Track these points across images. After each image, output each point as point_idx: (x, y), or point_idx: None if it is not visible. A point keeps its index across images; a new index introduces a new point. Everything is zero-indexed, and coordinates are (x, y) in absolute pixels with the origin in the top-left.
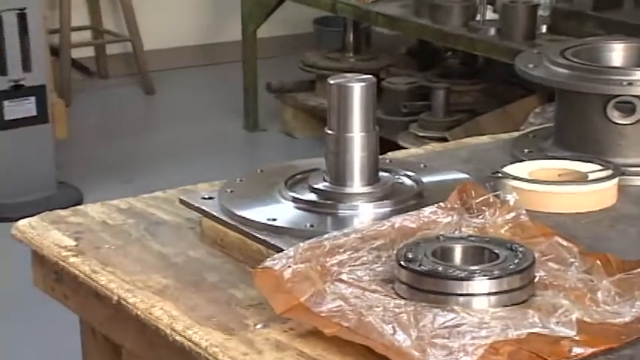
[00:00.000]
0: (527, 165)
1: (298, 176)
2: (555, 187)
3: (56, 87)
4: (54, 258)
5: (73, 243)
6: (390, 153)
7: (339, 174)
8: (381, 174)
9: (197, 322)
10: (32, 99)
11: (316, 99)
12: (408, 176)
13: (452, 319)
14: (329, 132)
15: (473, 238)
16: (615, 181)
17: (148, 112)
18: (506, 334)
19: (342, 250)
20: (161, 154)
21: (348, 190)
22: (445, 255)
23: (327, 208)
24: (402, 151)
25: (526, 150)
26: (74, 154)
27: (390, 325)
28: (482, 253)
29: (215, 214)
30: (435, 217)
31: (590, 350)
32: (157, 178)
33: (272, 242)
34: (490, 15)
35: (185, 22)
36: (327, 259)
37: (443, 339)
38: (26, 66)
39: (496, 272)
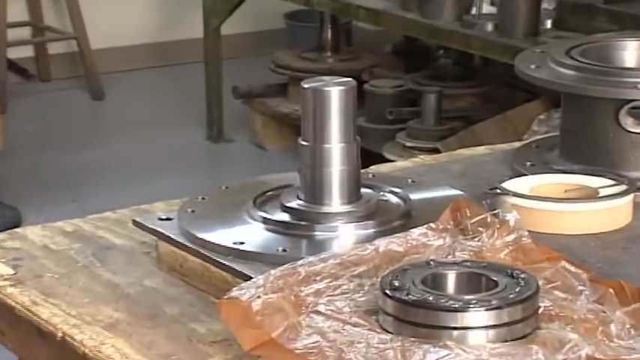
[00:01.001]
0: (529, 180)
1: (269, 193)
2: (561, 204)
3: None
4: None
5: (11, 271)
6: (373, 167)
7: (315, 191)
8: (363, 190)
9: None
10: None
11: (289, 105)
12: (394, 193)
13: (445, 356)
14: (304, 143)
15: (468, 264)
16: (630, 197)
17: (97, 119)
18: None
19: (319, 277)
20: (111, 169)
21: (326, 209)
22: (437, 283)
23: (301, 229)
24: (388, 164)
25: (528, 162)
26: (11, 169)
27: None
28: (478, 280)
29: (173, 237)
30: (424, 239)
31: None
32: (107, 196)
33: (239, 269)
34: (487, 8)
35: (138, 17)
36: (302, 288)
37: None
38: None
39: (495, 302)
